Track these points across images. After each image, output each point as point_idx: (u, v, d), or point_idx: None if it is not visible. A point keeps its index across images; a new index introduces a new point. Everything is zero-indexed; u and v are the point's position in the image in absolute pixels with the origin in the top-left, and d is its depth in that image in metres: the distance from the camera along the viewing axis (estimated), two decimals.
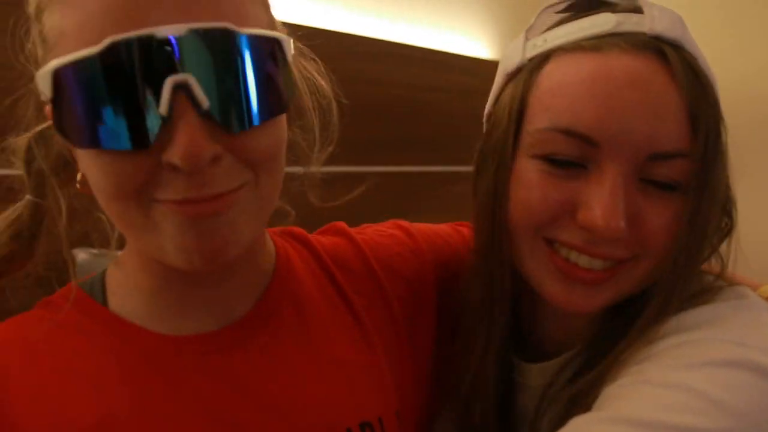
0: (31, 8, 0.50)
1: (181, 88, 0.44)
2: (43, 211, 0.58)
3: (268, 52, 0.49)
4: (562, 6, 0.62)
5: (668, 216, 0.55)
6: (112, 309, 0.57)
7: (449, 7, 2.58)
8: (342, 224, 0.75)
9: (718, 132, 0.55)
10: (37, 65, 0.50)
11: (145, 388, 0.54)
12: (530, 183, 0.58)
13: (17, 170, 0.57)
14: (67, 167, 0.56)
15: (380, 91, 2.14)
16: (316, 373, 0.61)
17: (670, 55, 0.54)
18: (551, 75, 0.57)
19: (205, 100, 0.45)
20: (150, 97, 0.44)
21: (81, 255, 0.70)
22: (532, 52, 0.60)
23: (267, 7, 0.54)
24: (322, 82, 0.64)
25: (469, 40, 2.67)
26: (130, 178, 0.47)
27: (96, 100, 0.44)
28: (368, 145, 2.05)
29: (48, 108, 0.50)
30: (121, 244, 0.59)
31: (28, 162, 0.56)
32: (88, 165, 0.49)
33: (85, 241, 0.62)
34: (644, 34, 0.55)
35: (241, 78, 0.47)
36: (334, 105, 0.64)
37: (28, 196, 0.58)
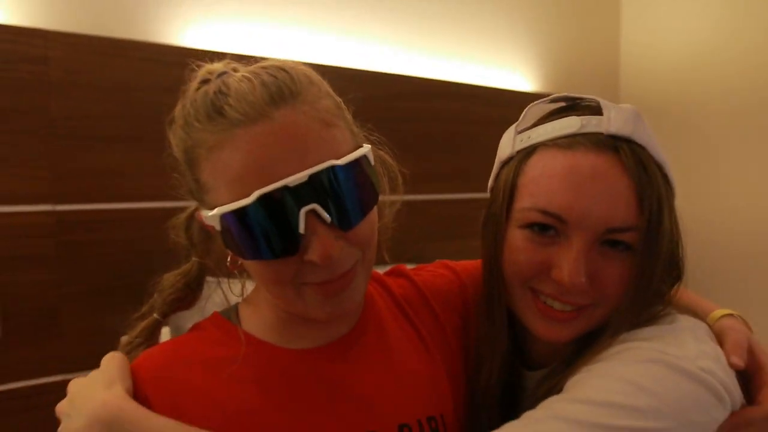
0: (180, 156, 0.72)
1: (310, 213, 0.66)
2: (204, 270, 0.83)
3: (360, 167, 0.69)
4: (546, 106, 0.83)
5: (620, 272, 0.74)
6: (245, 329, 0.79)
7: (495, 46, 2.79)
8: (404, 267, 0.96)
9: (661, 208, 0.73)
10: (192, 193, 0.74)
11: (272, 386, 0.75)
12: (518, 248, 0.78)
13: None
14: (220, 252, 0.79)
15: (438, 126, 2.41)
16: (393, 378, 0.80)
17: (623, 151, 0.73)
18: (534, 166, 0.77)
19: (327, 218, 0.66)
20: (291, 222, 0.65)
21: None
22: (520, 145, 0.80)
23: (346, 120, 0.73)
24: (388, 158, 0.84)
25: (514, 74, 2.86)
26: (285, 273, 0.69)
27: (255, 231, 0.66)
28: (426, 175, 2.33)
29: (206, 223, 0.72)
30: None
31: (187, 236, 0.81)
32: (251, 264, 0.71)
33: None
34: (602, 134, 0.74)
35: (347, 193, 0.67)
36: (395, 168, 0.84)
37: (194, 258, 0.82)
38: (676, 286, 0.80)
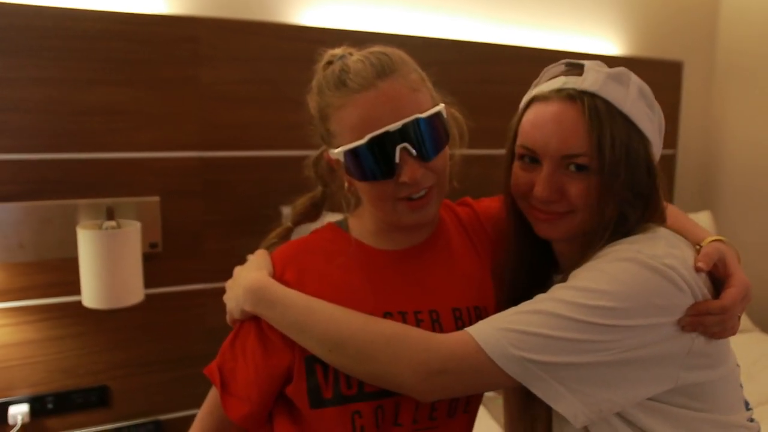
0: (315, 113, 0.98)
1: (403, 149, 0.90)
2: (326, 194, 1.11)
3: (436, 119, 0.93)
4: (557, 68, 0.99)
5: (582, 185, 0.91)
6: (351, 234, 1.05)
7: (580, 12, 2.84)
8: (469, 199, 1.18)
9: (614, 143, 0.88)
10: (323, 138, 0.99)
11: (368, 273, 1.00)
12: (516, 174, 0.98)
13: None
14: (340, 179, 1.04)
15: (512, 89, 2.52)
16: (452, 275, 1.03)
17: (584, 101, 0.90)
18: (528, 114, 0.97)
19: (413, 152, 0.91)
20: (390, 155, 0.90)
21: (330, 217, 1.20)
22: (526, 98, 0.99)
23: (428, 88, 0.97)
24: (458, 114, 1.09)
25: (599, 39, 2.89)
26: (385, 190, 0.94)
27: (367, 161, 0.91)
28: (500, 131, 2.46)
29: (333, 159, 0.97)
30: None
31: (315, 170, 1.09)
32: (362, 185, 0.96)
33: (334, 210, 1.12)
34: (575, 89, 0.91)
35: (427, 137, 0.92)
36: (464, 124, 1.08)
37: (320, 187, 1.11)
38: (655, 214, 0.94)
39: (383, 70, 0.92)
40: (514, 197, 1.01)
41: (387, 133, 0.90)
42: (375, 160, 0.91)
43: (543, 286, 0.95)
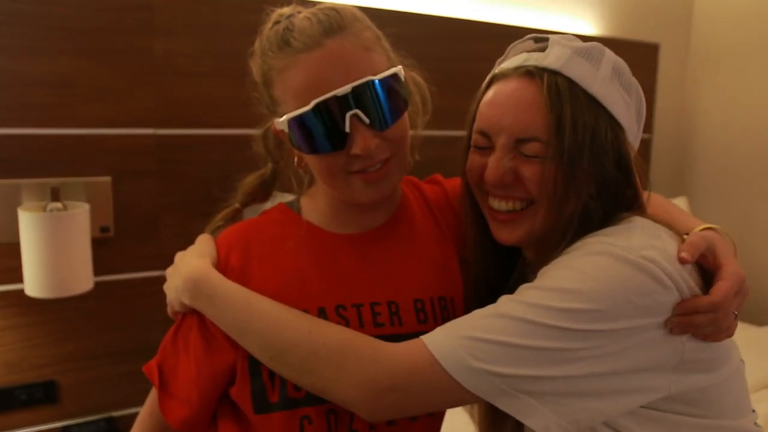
0: (258, 79, 0.88)
1: (353, 116, 0.81)
2: (277, 172, 1.02)
3: (391, 82, 0.84)
4: (523, 44, 0.91)
5: (537, 171, 0.82)
6: (302, 216, 0.97)
7: None
8: (439, 176, 1.12)
9: (575, 128, 0.80)
10: (267, 107, 0.90)
11: (321, 259, 0.92)
12: (471, 159, 0.90)
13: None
14: (289, 154, 0.95)
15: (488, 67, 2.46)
16: (415, 262, 0.96)
17: (544, 79, 0.82)
18: (487, 94, 0.89)
19: (366, 119, 0.82)
20: (339, 124, 0.81)
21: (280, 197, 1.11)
22: (489, 76, 0.91)
23: (384, 48, 0.89)
24: (419, 78, 0.99)
25: (576, 18, 2.86)
26: (336, 164, 0.85)
27: (314, 131, 0.82)
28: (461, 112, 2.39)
29: (279, 131, 0.88)
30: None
31: (264, 145, 1.00)
32: (310, 159, 0.87)
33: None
34: (535, 66, 0.83)
35: (382, 102, 0.82)
36: (426, 88, 1.00)
37: (269, 164, 1.01)
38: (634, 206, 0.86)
39: (331, 27, 0.82)
40: (470, 187, 0.92)
41: (335, 97, 0.81)
42: (322, 130, 0.82)
43: (510, 282, 0.90)
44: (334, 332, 0.82)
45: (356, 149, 0.82)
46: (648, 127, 3.09)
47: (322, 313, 0.88)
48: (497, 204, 0.88)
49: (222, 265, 0.90)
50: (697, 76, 3.24)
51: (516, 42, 0.92)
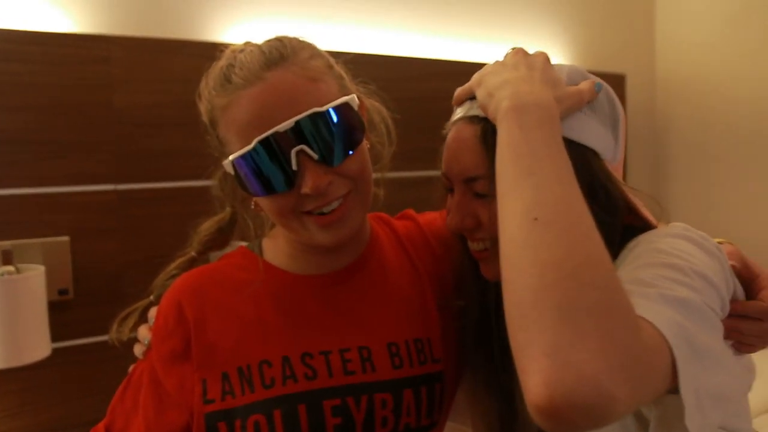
0: (205, 120, 0.85)
1: (300, 152, 0.76)
2: (236, 216, 0.96)
3: (342, 111, 0.79)
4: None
5: (488, 213, 0.77)
6: (265, 259, 0.92)
7: (523, 26, 2.83)
8: (411, 211, 1.07)
9: None
10: (216, 149, 0.85)
11: (283, 304, 0.87)
12: (448, 200, 0.87)
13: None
14: (244, 197, 0.91)
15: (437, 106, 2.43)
16: (387, 304, 0.90)
17: (482, 125, 0.78)
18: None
19: (314, 155, 0.76)
20: (285, 162, 0.76)
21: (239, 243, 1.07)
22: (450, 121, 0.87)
23: (337, 77, 0.84)
24: (380, 106, 0.95)
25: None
26: (286, 205, 0.80)
27: (258, 170, 0.77)
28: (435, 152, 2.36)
29: (230, 174, 0.83)
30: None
31: (221, 189, 0.94)
32: (260, 200, 0.83)
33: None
34: (476, 116, 0.79)
35: (331, 135, 0.77)
36: (388, 117, 0.95)
37: (228, 208, 0.96)
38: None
39: (272, 59, 0.77)
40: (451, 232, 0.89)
41: (277, 133, 0.76)
42: (268, 169, 0.77)
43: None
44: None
45: (306, 188, 0.77)
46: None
47: (286, 362, 0.82)
48: (470, 244, 0.85)
49: (174, 319, 0.84)
50: (665, 101, 3.28)
51: None
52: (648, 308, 0.57)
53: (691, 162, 3.16)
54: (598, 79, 0.82)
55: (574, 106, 0.75)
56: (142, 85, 1.90)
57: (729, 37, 2.93)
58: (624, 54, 3.17)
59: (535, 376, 0.50)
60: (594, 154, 0.78)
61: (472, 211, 0.81)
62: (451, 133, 0.84)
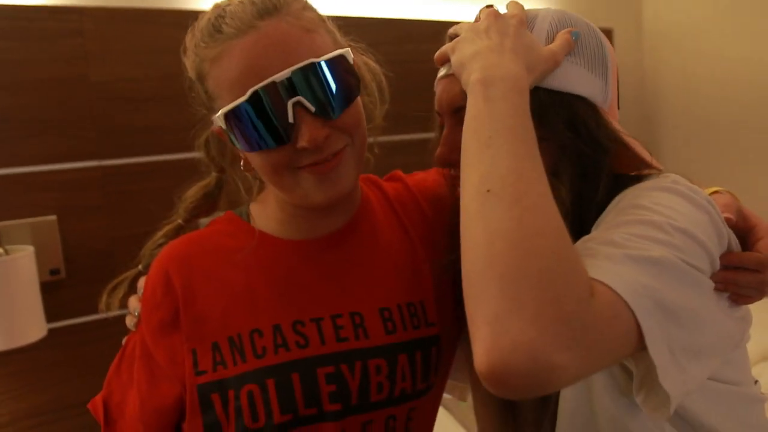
0: (192, 75, 0.81)
1: (297, 104, 0.73)
2: (222, 181, 0.94)
3: (338, 64, 0.76)
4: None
5: None
6: (253, 225, 0.88)
7: None
8: (399, 173, 1.04)
9: None
10: (204, 105, 0.82)
11: (273, 271, 0.84)
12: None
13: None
14: (234, 157, 0.89)
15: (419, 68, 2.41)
16: (378, 268, 0.88)
17: None
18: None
19: (311, 107, 0.73)
20: (281, 114, 0.73)
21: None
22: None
23: (330, 31, 0.81)
24: (373, 63, 0.92)
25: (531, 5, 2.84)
26: (281, 161, 0.76)
27: (252, 124, 0.74)
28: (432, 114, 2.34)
29: (218, 129, 0.80)
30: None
31: (206, 152, 0.92)
32: (253, 157, 0.79)
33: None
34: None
35: (328, 87, 0.75)
36: (382, 75, 0.93)
37: (213, 173, 0.93)
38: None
39: (266, 9, 0.74)
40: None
41: (273, 84, 0.72)
42: (263, 122, 0.73)
43: None
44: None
45: (303, 141, 0.74)
46: None
47: (277, 331, 0.80)
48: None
49: (162, 289, 0.82)
50: (653, 56, 3.25)
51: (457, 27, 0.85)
52: (608, 270, 0.57)
53: (680, 118, 3.15)
54: (581, 24, 0.80)
55: (548, 69, 0.74)
56: (118, 58, 1.85)
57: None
58: (610, 8, 3.14)
59: (478, 344, 0.52)
60: (581, 99, 0.76)
61: (459, 143, 0.79)
62: (440, 86, 0.83)
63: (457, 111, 0.79)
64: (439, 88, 0.84)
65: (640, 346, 0.56)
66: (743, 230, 0.75)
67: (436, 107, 0.85)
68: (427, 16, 2.51)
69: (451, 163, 0.79)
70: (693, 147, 3.10)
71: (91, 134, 1.83)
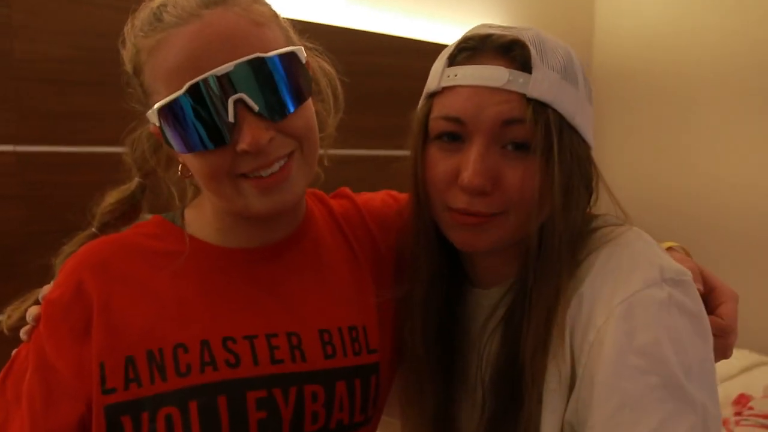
0: (129, 68, 0.74)
1: (238, 102, 0.67)
2: (145, 186, 0.87)
3: (288, 62, 0.71)
4: (472, 43, 0.78)
5: (522, 174, 0.73)
6: (186, 230, 0.81)
7: (463, 5, 2.79)
8: (347, 190, 0.99)
9: (561, 128, 0.73)
10: (140, 101, 0.75)
11: (207, 281, 0.78)
12: (433, 161, 0.77)
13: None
14: (169, 160, 0.83)
15: (395, 83, 2.37)
16: (320, 286, 0.83)
17: (529, 108, 0.72)
18: (449, 97, 0.77)
19: (255, 106, 0.68)
20: (221, 112, 0.67)
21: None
22: (446, 82, 0.77)
23: (283, 28, 0.76)
24: (329, 67, 0.87)
25: None
26: (219, 165, 0.70)
27: (189, 122, 0.68)
28: (392, 129, 2.29)
29: (154, 128, 0.73)
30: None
31: (132, 152, 0.85)
32: (189, 160, 0.73)
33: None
34: (525, 95, 0.72)
35: (275, 85, 0.69)
36: (338, 81, 0.87)
37: (136, 177, 0.86)
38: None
39: None
40: (430, 194, 0.79)
41: (214, 78, 0.67)
42: (200, 120, 0.68)
43: (459, 302, 0.84)
44: None
45: (243, 144, 0.68)
46: None
47: (205, 347, 0.73)
48: (468, 206, 0.75)
49: (72, 293, 0.74)
50: (601, 115, 3.32)
51: (473, 28, 0.79)
52: None
53: (624, 116, 3.21)
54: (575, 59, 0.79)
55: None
56: (48, 36, 1.71)
57: (672, 31, 3.02)
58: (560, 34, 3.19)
59: None
60: (590, 148, 0.79)
61: (497, 170, 0.74)
62: (480, 96, 0.74)
63: (507, 123, 0.73)
64: (475, 98, 0.74)
65: None
66: (703, 294, 0.75)
67: (452, 112, 0.75)
68: (391, 30, 2.47)
69: (485, 191, 0.73)
70: (637, 144, 3.16)
71: (10, 116, 1.68)
